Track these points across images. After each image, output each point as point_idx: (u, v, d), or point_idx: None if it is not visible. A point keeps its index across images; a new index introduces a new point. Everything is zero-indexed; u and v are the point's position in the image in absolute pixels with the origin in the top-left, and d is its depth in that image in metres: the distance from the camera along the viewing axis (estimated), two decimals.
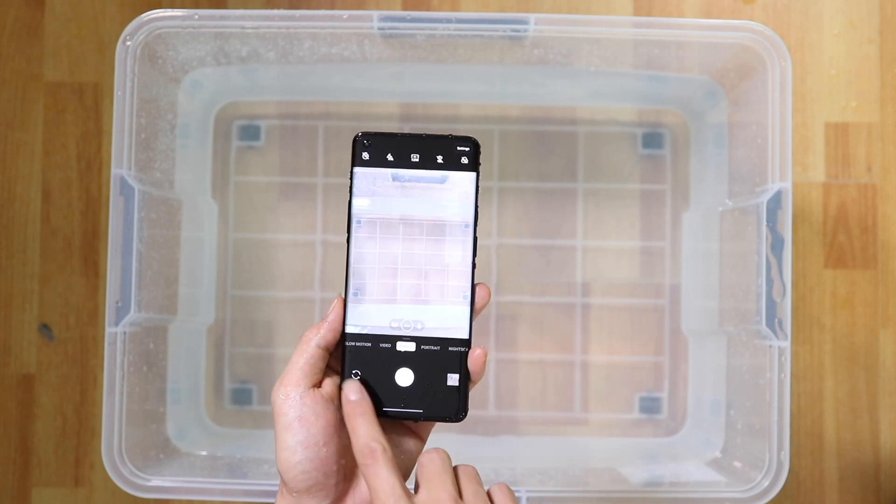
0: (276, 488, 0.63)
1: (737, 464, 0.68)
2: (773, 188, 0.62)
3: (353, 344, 0.48)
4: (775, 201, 0.62)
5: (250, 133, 0.79)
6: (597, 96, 0.79)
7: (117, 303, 0.63)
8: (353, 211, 0.48)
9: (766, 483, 0.62)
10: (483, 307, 0.49)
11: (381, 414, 0.48)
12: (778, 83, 0.63)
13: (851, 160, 0.79)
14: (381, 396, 0.47)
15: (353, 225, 0.48)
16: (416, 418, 0.48)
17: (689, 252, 0.78)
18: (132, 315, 0.63)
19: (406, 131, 0.49)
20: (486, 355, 0.48)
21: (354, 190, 0.48)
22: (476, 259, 0.48)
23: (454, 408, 0.48)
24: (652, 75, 0.73)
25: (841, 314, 0.79)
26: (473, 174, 0.48)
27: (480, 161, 0.49)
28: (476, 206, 0.48)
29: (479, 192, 0.48)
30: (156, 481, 0.63)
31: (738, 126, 0.70)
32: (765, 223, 0.62)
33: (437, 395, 0.48)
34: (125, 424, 0.63)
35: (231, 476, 0.67)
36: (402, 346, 0.48)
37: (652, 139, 0.79)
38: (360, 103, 0.79)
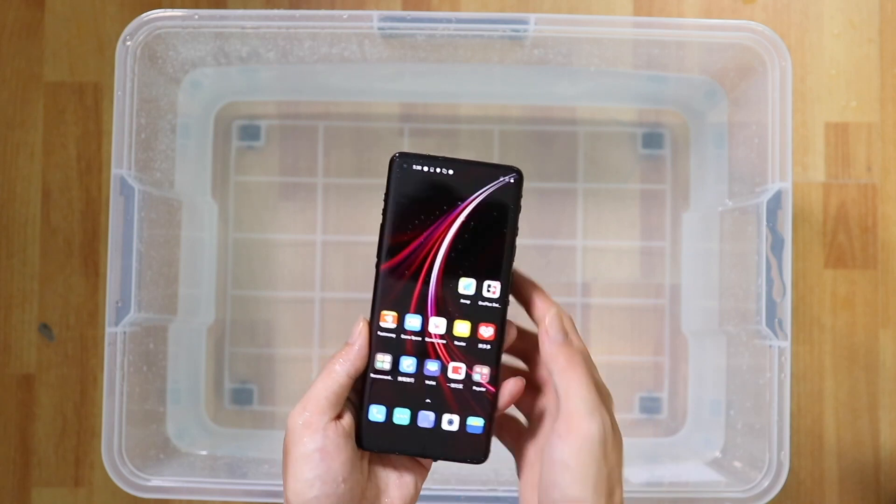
0: (276, 488, 0.63)
1: (737, 464, 0.68)
2: (773, 188, 0.62)
3: (377, 377, 0.46)
4: (775, 201, 0.62)
5: (250, 133, 0.79)
6: (597, 96, 0.79)
7: (117, 303, 0.63)
8: (386, 238, 0.46)
9: (766, 483, 0.62)
10: (510, 345, 0.47)
11: (400, 451, 0.46)
12: (778, 83, 0.63)
13: (851, 160, 0.79)
14: (401, 433, 0.46)
15: (384, 252, 0.46)
16: (436, 458, 0.46)
17: (689, 252, 0.78)
18: (132, 315, 0.63)
19: (445, 155, 0.47)
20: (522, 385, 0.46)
21: (389, 213, 0.46)
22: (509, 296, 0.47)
23: (477, 449, 0.46)
24: (652, 75, 0.73)
25: (841, 314, 0.79)
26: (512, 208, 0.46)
27: (522, 194, 0.46)
28: (513, 241, 0.46)
29: (518, 226, 0.46)
30: (156, 481, 0.63)
31: (738, 126, 0.70)
32: (765, 223, 0.62)
33: (459, 435, 0.46)
34: (125, 424, 0.63)
35: (231, 476, 0.67)
36: (426, 382, 0.46)
37: (652, 139, 0.79)
38: (360, 103, 0.79)
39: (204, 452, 0.72)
